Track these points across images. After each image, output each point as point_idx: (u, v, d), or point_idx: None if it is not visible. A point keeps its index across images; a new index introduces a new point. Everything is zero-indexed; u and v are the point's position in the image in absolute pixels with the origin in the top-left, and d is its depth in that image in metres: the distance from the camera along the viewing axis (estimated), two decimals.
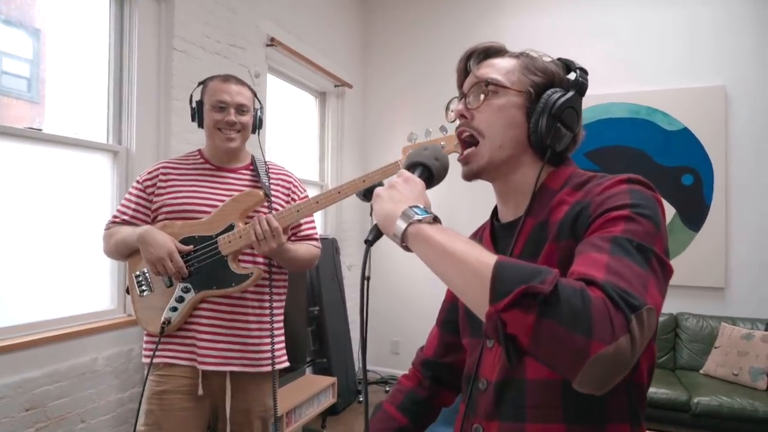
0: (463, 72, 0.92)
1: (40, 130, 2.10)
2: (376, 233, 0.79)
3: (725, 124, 3.66)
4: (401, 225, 0.72)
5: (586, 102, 3.72)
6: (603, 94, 3.90)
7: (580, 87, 0.85)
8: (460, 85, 0.92)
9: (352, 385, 3.91)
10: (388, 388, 4.22)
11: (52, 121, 2.22)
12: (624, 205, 0.69)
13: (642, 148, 3.84)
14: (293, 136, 4.06)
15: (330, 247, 3.96)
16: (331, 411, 3.45)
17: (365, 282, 0.80)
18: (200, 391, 1.54)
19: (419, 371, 1.08)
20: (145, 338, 1.62)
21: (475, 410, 0.85)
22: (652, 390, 3.08)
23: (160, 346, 1.53)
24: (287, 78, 3.86)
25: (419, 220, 0.71)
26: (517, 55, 0.88)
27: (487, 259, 0.62)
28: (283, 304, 1.72)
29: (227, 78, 1.66)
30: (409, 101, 4.52)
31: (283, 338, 1.69)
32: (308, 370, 3.60)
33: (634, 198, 0.70)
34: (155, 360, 1.54)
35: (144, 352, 1.61)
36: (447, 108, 0.95)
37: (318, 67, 3.85)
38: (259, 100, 1.74)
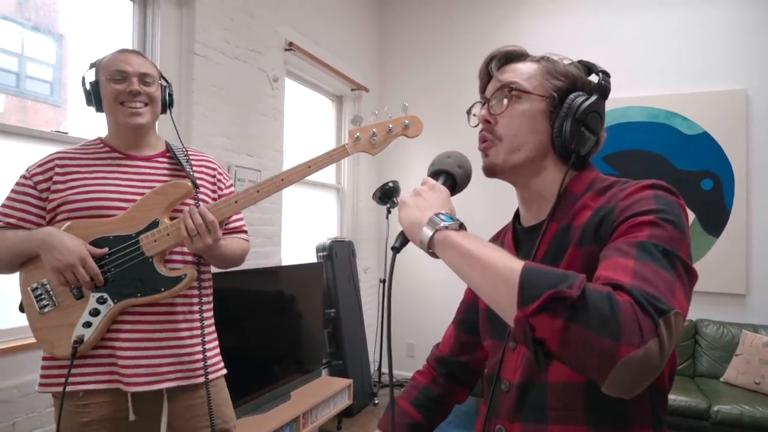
0: (485, 76, 0.91)
1: (66, 133, 2.16)
2: (403, 240, 0.80)
3: (746, 128, 3.61)
4: (428, 232, 0.72)
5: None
6: (621, 98, 3.87)
7: (603, 90, 0.84)
8: (483, 90, 0.92)
9: (367, 387, 3.93)
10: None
11: (73, 124, 2.27)
12: (649, 210, 0.69)
13: (661, 153, 3.80)
14: (310, 139, 4.10)
15: (346, 249, 3.98)
16: (347, 413, 3.47)
17: (388, 288, 0.81)
18: (131, 417, 1.33)
19: (434, 368, 1.09)
20: (45, 363, 1.35)
21: (498, 411, 0.85)
22: (671, 397, 3.02)
23: (72, 371, 1.27)
24: (305, 82, 3.90)
25: (446, 227, 0.71)
26: (538, 60, 0.88)
27: (514, 264, 0.63)
28: (212, 305, 1.53)
29: (124, 49, 1.44)
30: (425, 104, 4.53)
31: (217, 343, 1.51)
32: (324, 372, 3.62)
33: (659, 203, 0.70)
34: (69, 388, 1.27)
35: (43, 380, 1.34)
36: (469, 112, 0.95)
37: (335, 70, 3.89)
38: (166, 80, 1.50)
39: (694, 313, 3.60)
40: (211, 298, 1.52)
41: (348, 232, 4.34)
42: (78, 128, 2.24)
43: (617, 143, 3.90)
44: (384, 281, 4.11)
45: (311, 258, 3.78)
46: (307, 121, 4.05)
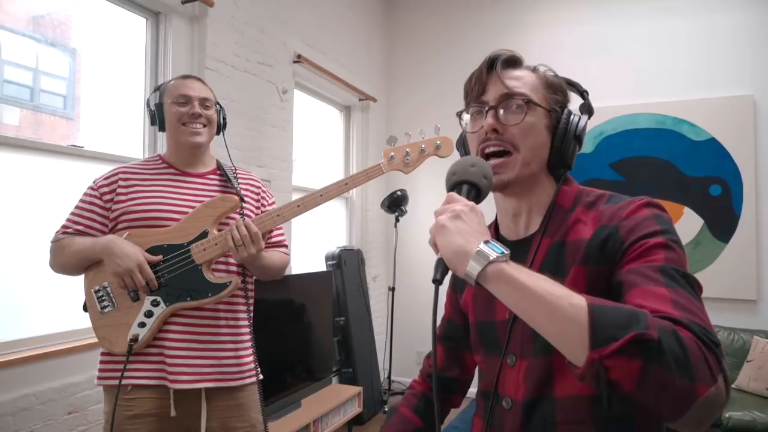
0: (484, 81, 0.87)
1: (82, 147, 2.22)
2: (444, 269, 0.70)
3: (754, 133, 3.60)
4: (477, 266, 0.65)
5: (612, 112, 3.75)
6: (628, 105, 3.88)
7: (590, 110, 0.88)
8: (480, 94, 0.87)
9: (377, 395, 3.94)
10: None
11: (85, 136, 2.33)
12: (655, 231, 0.71)
13: (668, 159, 3.80)
14: (319, 149, 4.15)
15: (355, 258, 4.01)
16: (357, 420, 3.48)
17: (433, 322, 0.76)
18: (173, 413, 1.42)
19: (427, 381, 1.09)
20: (102, 358, 1.48)
21: (501, 428, 0.85)
22: None
23: (126, 367, 1.39)
24: (313, 93, 3.96)
25: (497, 259, 0.65)
26: (533, 69, 0.88)
27: (578, 301, 0.60)
28: (253, 313, 1.63)
29: (187, 76, 1.60)
30: (432, 114, 4.57)
31: (254, 349, 1.60)
32: (334, 380, 3.65)
33: (661, 223, 0.72)
34: (122, 382, 1.39)
35: (100, 373, 1.46)
36: (460, 116, 0.91)
37: (343, 81, 3.94)
38: (220, 105, 1.65)
39: None
40: (252, 307, 1.62)
41: (357, 241, 4.37)
42: (90, 141, 2.30)
43: (625, 150, 3.91)
44: (392, 289, 4.12)
45: (320, 267, 3.82)
46: (316, 131, 4.10)
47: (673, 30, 3.85)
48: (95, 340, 2.05)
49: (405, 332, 4.41)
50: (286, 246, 1.69)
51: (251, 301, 1.61)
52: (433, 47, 4.64)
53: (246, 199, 1.60)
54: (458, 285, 1.04)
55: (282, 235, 1.69)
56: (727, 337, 3.46)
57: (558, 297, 0.61)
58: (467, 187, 0.77)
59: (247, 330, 1.57)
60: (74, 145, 2.20)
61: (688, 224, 3.69)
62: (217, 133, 1.64)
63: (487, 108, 0.85)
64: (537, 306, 0.62)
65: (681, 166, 3.77)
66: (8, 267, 1.95)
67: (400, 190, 3.82)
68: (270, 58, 3.14)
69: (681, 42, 3.83)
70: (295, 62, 3.40)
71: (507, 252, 0.66)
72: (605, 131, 3.92)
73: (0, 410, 1.77)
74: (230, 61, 2.82)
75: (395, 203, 3.82)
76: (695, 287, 0.66)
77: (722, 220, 3.66)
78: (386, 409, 3.95)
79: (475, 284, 0.66)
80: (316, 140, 4.08)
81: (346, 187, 1.48)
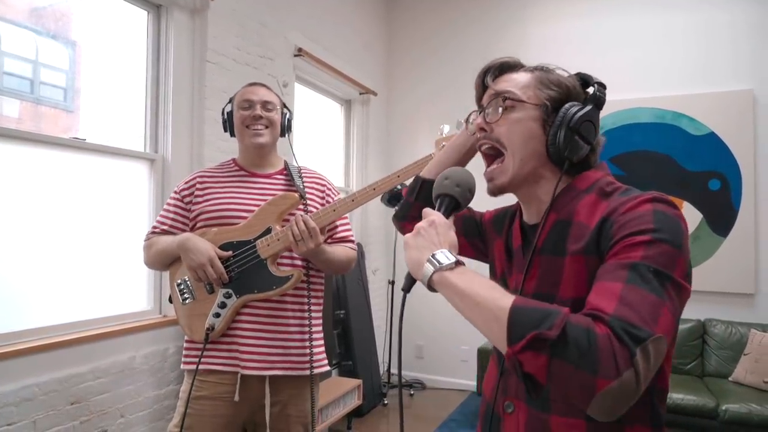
0: (481, 87, 0.95)
1: (84, 140, 2.22)
2: (410, 281, 0.83)
3: (753, 128, 3.61)
4: (427, 273, 0.77)
5: (611, 107, 3.75)
6: (628, 99, 3.89)
7: (598, 101, 0.87)
8: (479, 100, 0.95)
9: (377, 387, 3.97)
10: (412, 392, 4.26)
11: (85, 129, 2.33)
12: (646, 229, 0.71)
13: (668, 153, 3.81)
14: (319, 142, 4.15)
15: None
16: (357, 413, 3.51)
17: (400, 322, 0.88)
18: (236, 397, 1.52)
19: None
20: (186, 344, 1.62)
21: (506, 389, 0.89)
22: (679, 396, 3.06)
23: (203, 353, 1.53)
24: (314, 86, 3.96)
25: (441, 268, 0.76)
26: (533, 70, 0.90)
27: (504, 303, 0.68)
28: (321, 306, 1.72)
29: (253, 83, 1.71)
30: (432, 108, 4.58)
31: (322, 341, 1.69)
32: (334, 372, 3.67)
33: (657, 221, 0.72)
34: (200, 367, 1.53)
35: (184, 359, 1.60)
36: (467, 121, 1.00)
37: (343, 75, 3.94)
38: (288, 109, 1.76)
39: (702, 313, 3.60)
40: (321, 300, 1.71)
41: (357, 234, 4.38)
42: (90, 133, 2.30)
43: (625, 144, 3.92)
44: (392, 282, 4.14)
45: None
46: (317, 124, 4.10)
47: (672, 25, 3.85)
48: (94, 332, 2.11)
49: (404, 325, 4.39)
50: (351, 241, 1.76)
51: (316, 293, 1.67)
52: (434, 42, 4.64)
53: (310, 196, 1.68)
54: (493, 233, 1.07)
55: (348, 230, 1.76)
56: (725, 331, 3.49)
57: (488, 299, 0.70)
58: (440, 199, 0.88)
59: (316, 321, 1.66)
60: (76, 138, 2.21)
61: (687, 218, 3.63)
62: (282, 135, 1.72)
63: (480, 110, 0.93)
64: (471, 308, 0.72)
65: (680, 161, 3.78)
66: (11, 258, 1.96)
67: (401, 184, 3.82)
68: (271, 52, 3.14)
69: (680, 37, 3.83)
70: (296, 55, 3.40)
71: (452, 261, 0.76)
72: (605, 125, 3.93)
73: (3, 401, 1.79)
74: (231, 54, 2.82)
75: (396, 197, 3.81)
76: (668, 285, 0.67)
77: (721, 214, 3.68)
78: (385, 402, 3.97)
79: (428, 289, 0.79)
80: (317, 133, 4.09)
81: (398, 179, 1.52)
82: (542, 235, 0.86)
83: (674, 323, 0.67)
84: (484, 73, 0.94)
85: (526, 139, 0.86)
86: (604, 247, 0.75)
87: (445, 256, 0.77)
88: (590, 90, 0.88)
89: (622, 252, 0.71)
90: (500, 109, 0.88)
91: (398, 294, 4.16)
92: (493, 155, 0.91)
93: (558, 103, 0.86)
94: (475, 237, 1.10)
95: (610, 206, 0.78)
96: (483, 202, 0.97)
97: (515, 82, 0.89)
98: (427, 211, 0.86)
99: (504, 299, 0.69)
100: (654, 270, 0.67)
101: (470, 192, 0.89)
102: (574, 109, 0.85)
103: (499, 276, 0.99)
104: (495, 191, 0.91)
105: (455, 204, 0.88)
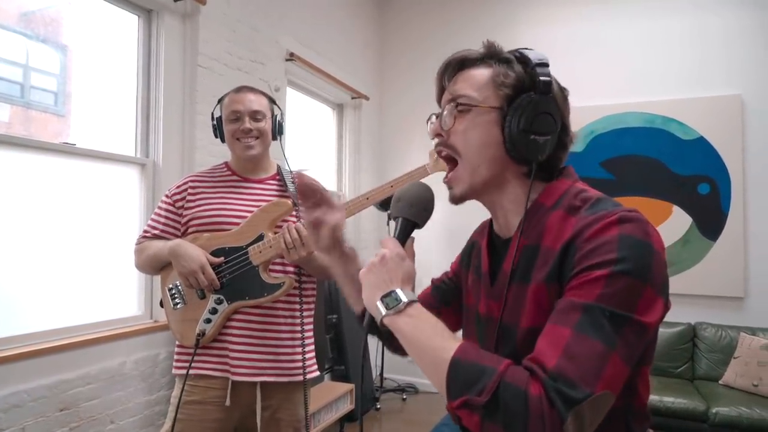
0: (440, 86, 0.89)
1: (74, 144, 2.21)
2: (370, 319, 0.81)
3: (742, 132, 3.65)
4: (377, 316, 0.77)
5: (601, 111, 3.74)
6: (618, 104, 3.92)
7: (544, 87, 0.77)
8: (438, 100, 0.89)
9: (369, 392, 3.96)
10: (405, 396, 4.25)
11: (76, 134, 2.32)
12: (609, 260, 0.66)
13: (657, 157, 3.84)
14: (311, 147, 4.15)
15: None
16: (349, 417, 3.49)
17: (362, 357, 0.94)
18: (227, 402, 1.52)
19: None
20: (177, 349, 1.61)
21: None
22: (669, 399, 3.07)
23: (195, 358, 1.53)
24: (306, 91, 3.96)
25: (388, 313, 0.75)
26: (495, 62, 0.82)
27: (445, 356, 0.69)
28: (313, 312, 1.71)
29: (240, 89, 1.66)
30: (425, 113, 4.55)
31: (313, 347, 1.68)
32: (326, 377, 3.66)
33: (622, 248, 0.66)
34: (190, 372, 1.52)
35: (175, 363, 1.60)
36: (428, 122, 0.91)
37: (335, 80, 3.95)
38: (278, 107, 1.72)
39: (692, 317, 3.63)
40: (312, 306, 1.71)
41: (349, 238, 4.37)
42: (81, 138, 2.29)
43: (615, 148, 3.94)
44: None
45: None
46: (309, 128, 4.10)
47: (663, 30, 3.89)
48: (84, 337, 2.09)
49: None
50: None
51: (307, 299, 1.66)
52: (425, 46, 4.66)
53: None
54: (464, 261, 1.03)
55: None
56: (715, 334, 3.51)
57: (431, 349, 0.71)
58: (395, 222, 0.86)
59: (308, 328, 1.64)
60: (66, 143, 2.20)
61: (676, 223, 3.73)
62: (274, 139, 1.71)
63: (438, 114, 0.87)
64: (417, 355, 0.73)
65: (670, 165, 3.81)
66: (0, 264, 1.94)
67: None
68: (262, 56, 3.14)
69: (671, 41, 3.87)
70: (287, 60, 3.40)
71: (403, 301, 0.75)
72: (596, 130, 3.96)
73: None
74: (222, 59, 2.82)
75: (387, 201, 3.83)
76: (624, 330, 0.64)
77: (710, 218, 3.71)
78: (378, 407, 3.97)
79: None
80: (308, 137, 4.09)
81: (391, 189, 1.53)
82: (508, 258, 0.81)
83: (622, 375, 0.64)
84: (443, 71, 0.87)
85: (482, 146, 0.80)
86: (566, 275, 0.70)
87: (395, 298, 0.76)
88: (536, 74, 0.79)
89: (579, 288, 0.67)
90: (453, 117, 0.82)
91: None
92: (453, 161, 0.85)
93: (514, 100, 0.79)
94: (454, 299, 1.03)
95: (576, 226, 0.72)
96: (453, 210, 0.94)
97: (472, 82, 0.82)
98: (383, 241, 0.83)
99: (445, 352, 0.69)
100: (609, 314, 0.64)
101: (426, 210, 0.86)
102: (523, 106, 0.78)
103: (472, 304, 0.94)
104: (454, 200, 0.86)
105: (412, 225, 0.85)
